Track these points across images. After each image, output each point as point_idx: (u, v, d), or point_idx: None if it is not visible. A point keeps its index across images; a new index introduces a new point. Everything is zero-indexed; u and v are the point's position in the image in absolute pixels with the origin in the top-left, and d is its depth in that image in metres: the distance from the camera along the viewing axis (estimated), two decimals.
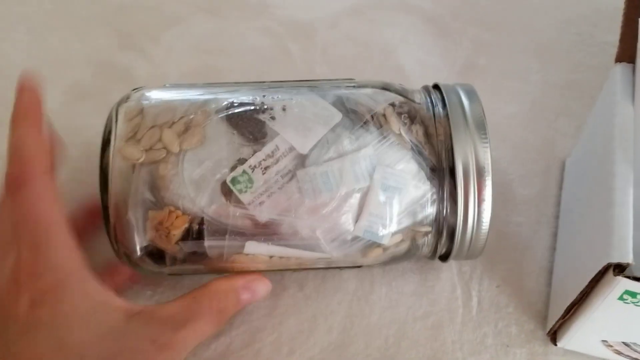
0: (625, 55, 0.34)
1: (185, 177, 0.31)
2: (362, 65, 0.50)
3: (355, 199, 0.31)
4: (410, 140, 0.32)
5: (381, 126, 0.32)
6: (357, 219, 0.32)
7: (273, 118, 0.32)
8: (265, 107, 0.32)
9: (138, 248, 0.32)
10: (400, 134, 0.32)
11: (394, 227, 0.32)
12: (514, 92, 0.48)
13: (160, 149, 0.31)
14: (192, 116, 0.32)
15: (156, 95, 0.34)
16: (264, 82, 0.36)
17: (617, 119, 0.32)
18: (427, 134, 0.33)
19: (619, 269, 0.27)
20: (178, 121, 0.32)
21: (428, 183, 0.32)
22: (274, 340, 0.37)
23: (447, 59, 0.50)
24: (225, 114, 0.32)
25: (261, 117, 0.32)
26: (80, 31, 0.51)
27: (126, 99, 0.34)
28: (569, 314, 0.32)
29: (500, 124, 0.46)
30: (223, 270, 0.34)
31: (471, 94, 0.34)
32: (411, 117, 0.33)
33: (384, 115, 0.33)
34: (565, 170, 0.43)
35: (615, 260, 0.27)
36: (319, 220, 0.32)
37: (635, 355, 0.34)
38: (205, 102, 0.33)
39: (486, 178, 0.32)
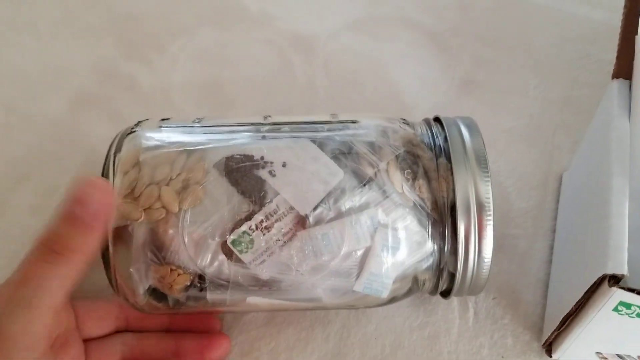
0: (622, 71, 0.35)
1: (186, 238, 0.31)
2: (362, 78, 0.50)
3: (355, 258, 0.31)
4: (413, 199, 0.32)
5: (384, 184, 0.31)
6: (357, 276, 0.32)
7: (273, 175, 0.31)
8: (265, 161, 0.31)
9: (140, 298, 0.32)
10: (403, 193, 0.31)
11: (394, 282, 0.32)
12: (512, 107, 0.48)
13: (159, 208, 0.30)
14: (190, 174, 0.31)
15: (152, 141, 0.33)
16: (262, 123, 0.34)
17: (613, 134, 0.33)
18: (430, 186, 0.32)
19: (614, 280, 0.28)
20: (176, 178, 0.31)
21: (429, 241, 0.32)
22: (272, 349, 0.38)
23: (446, 74, 0.50)
24: (224, 170, 0.31)
25: (261, 173, 0.31)
26: (86, 40, 0.52)
27: (119, 147, 0.33)
28: (564, 325, 0.33)
29: (498, 138, 0.47)
30: (224, 312, 0.36)
31: (472, 128, 0.34)
32: (414, 172, 0.32)
33: (387, 171, 0.32)
34: (562, 184, 0.44)
35: (610, 271, 0.28)
36: (320, 279, 0.32)
37: None
38: (204, 153, 0.32)
39: (487, 216, 0.31)
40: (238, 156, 0.31)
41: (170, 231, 0.30)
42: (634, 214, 0.30)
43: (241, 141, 0.32)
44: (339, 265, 0.31)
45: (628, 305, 0.28)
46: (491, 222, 0.31)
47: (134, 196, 0.31)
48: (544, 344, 0.36)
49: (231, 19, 0.54)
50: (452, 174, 0.31)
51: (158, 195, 0.30)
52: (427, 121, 0.36)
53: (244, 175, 0.31)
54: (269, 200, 0.30)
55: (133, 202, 0.30)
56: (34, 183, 0.44)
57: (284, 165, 0.31)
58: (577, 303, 0.31)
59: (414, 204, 0.31)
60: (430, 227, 0.32)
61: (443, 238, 0.32)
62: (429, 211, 0.32)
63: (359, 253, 0.31)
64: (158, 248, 0.31)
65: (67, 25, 0.53)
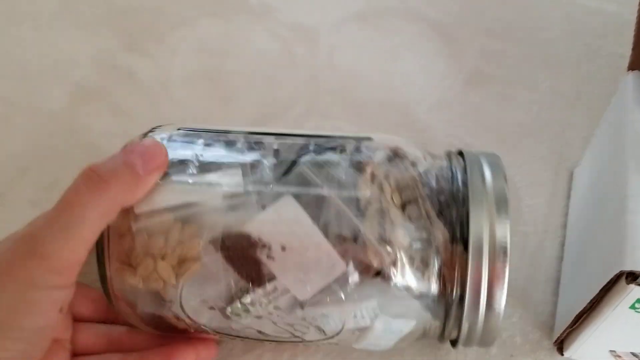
0: (637, 64, 0.34)
1: (184, 305, 0.31)
2: (366, 71, 0.50)
3: (355, 333, 0.31)
4: (421, 292, 0.30)
5: (391, 278, 0.29)
6: (357, 340, 0.31)
7: (271, 258, 0.29)
8: (263, 244, 0.29)
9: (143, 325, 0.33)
10: (409, 287, 0.29)
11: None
12: (521, 102, 0.48)
13: (157, 279, 0.30)
14: (185, 251, 0.30)
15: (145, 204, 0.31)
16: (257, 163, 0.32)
17: (629, 127, 0.32)
18: (440, 273, 0.29)
19: (632, 277, 0.27)
20: (172, 253, 0.30)
21: (431, 318, 0.30)
22: (276, 346, 0.37)
23: (452, 67, 0.50)
24: (220, 248, 0.29)
25: (258, 255, 0.29)
26: (85, 31, 0.51)
27: None
28: (578, 322, 0.32)
29: (507, 133, 0.46)
30: None
31: (496, 167, 0.32)
32: (425, 262, 0.29)
33: (393, 264, 0.29)
34: (573, 180, 0.43)
35: (628, 268, 0.27)
36: (323, 342, 0.32)
37: None
38: (199, 226, 0.30)
39: (504, 263, 0.29)
40: (235, 235, 0.29)
41: (169, 298, 0.30)
42: None
43: (237, 216, 0.30)
44: (340, 336, 0.31)
45: None
46: (506, 272, 0.29)
47: (132, 265, 0.30)
48: (556, 341, 0.36)
49: (232, 10, 0.53)
50: (467, 215, 0.29)
51: (154, 268, 0.30)
52: (448, 155, 0.33)
53: (241, 255, 0.30)
54: (265, 282, 0.29)
55: (132, 271, 0.30)
56: (33, 176, 0.44)
57: (283, 249, 0.29)
58: (591, 300, 0.30)
59: (421, 295, 0.30)
60: (433, 302, 0.30)
61: (452, 284, 0.29)
62: (438, 299, 0.30)
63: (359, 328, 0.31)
64: (159, 306, 0.31)
65: (66, 17, 0.52)
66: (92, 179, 0.28)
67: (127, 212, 0.30)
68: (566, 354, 0.35)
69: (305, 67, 0.50)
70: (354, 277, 0.29)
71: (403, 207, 0.29)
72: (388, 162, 0.31)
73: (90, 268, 0.30)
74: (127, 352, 0.35)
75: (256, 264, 0.29)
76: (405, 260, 0.29)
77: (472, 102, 0.48)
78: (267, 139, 0.32)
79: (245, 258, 0.29)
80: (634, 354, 0.33)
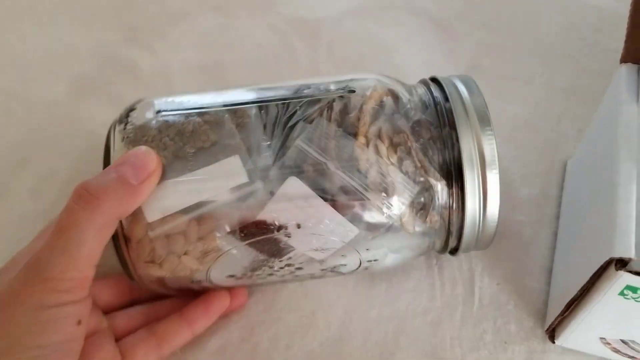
0: (630, 56, 0.35)
1: (212, 279, 0.33)
2: (366, 64, 0.50)
3: (367, 269, 0.35)
4: (424, 232, 0.32)
5: (400, 229, 0.32)
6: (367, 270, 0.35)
7: (289, 236, 0.31)
8: (280, 226, 0.31)
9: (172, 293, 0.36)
10: (415, 231, 0.32)
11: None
12: (518, 94, 0.48)
13: (183, 269, 0.32)
14: (206, 245, 0.31)
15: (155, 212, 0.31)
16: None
17: (621, 118, 0.32)
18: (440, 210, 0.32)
19: (621, 263, 0.27)
20: (194, 249, 0.31)
21: (433, 241, 0.34)
22: (273, 335, 0.37)
23: (451, 59, 0.50)
24: (240, 237, 0.31)
25: (277, 236, 0.31)
26: (86, 24, 0.52)
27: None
28: (569, 310, 0.32)
29: (503, 125, 0.46)
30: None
31: (471, 86, 0.34)
32: (426, 208, 0.32)
33: (400, 218, 0.31)
34: (566, 171, 0.43)
35: (617, 254, 0.27)
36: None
37: (632, 353, 0.34)
38: (215, 222, 0.31)
39: (493, 171, 0.31)
40: (251, 224, 0.31)
41: (196, 279, 0.33)
42: None
43: (249, 206, 0.31)
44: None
45: (635, 289, 0.28)
46: (497, 177, 0.31)
47: (157, 263, 0.31)
48: (547, 329, 0.36)
49: (233, 4, 0.53)
50: (456, 134, 0.31)
51: (180, 262, 0.31)
52: (425, 83, 0.35)
53: (261, 240, 0.31)
54: (286, 253, 0.32)
55: (155, 265, 0.31)
56: (33, 167, 0.44)
57: (298, 227, 0.31)
58: (582, 287, 0.30)
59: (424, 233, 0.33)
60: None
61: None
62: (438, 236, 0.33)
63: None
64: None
65: (67, 9, 0.52)
66: (84, 197, 0.29)
67: (139, 220, 0.30)
68: (557, 341, 0.36)
69: (306, 60, 0.50)
70: (366, 236, 0.31)
71: (400, 162, 0.31)
72: (377, 115, 0.32)
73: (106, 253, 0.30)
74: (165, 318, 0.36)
75: (276, 243, 0.31)
76: (408, 212, 0.31)
77: None
78: (250, 110, 0.32)
79: (265, 240, 0.31)
80: (623, 341, 0.33)
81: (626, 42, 0.35)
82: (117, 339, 0.34)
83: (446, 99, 0.33)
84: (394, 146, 0.31)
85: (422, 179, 0.31)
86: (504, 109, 0.47)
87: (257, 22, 0.52)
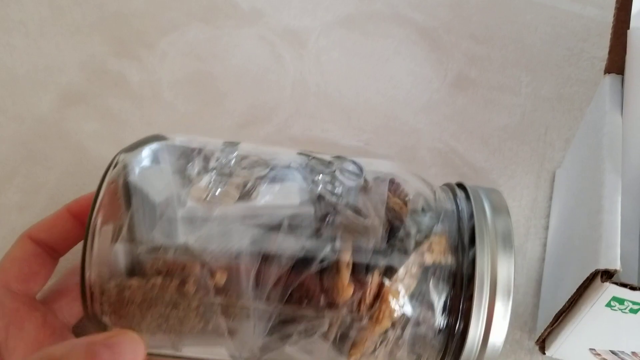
0: (614, 66, 0.35)
1: None
2: (354, 74, 0.50)
3: None
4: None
5: None
6: None
7: None
8: None
9: None
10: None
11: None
12: (504, 105, 0.48)
13: None
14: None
15: None
16: None
17: (605, 129, 0.33)
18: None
19: (607, 275, 0.28)
20: None
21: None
22: None
23: (439, 70, 0.50)
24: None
25: None
26: (75, 37, 0.51)
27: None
28: (558, 321, 0.33)
29: (490, 136, 0.46)
30: None
31: (499, 205, 0.31)
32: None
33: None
34: (555, 182, 0.44)
35: (603, 266, 0.27)
36: None
37: None
38: None
39: (507, 302, 0.28)
40: None
41: None
42: (627, 209, 0.30)
43: None
44: None
45: (621, 301, 0.28)
46: (509, 310, 0.28)
47: None
48: (537, 340, 0.36)
49: (221, 15, 0.53)
50: (474, 251, 0.29)
51: None
52: (451, 189, 0.33)
53: None
54: None
55: None
56: (21, 181, 0.44)
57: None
58: (570, 299, 0.30)
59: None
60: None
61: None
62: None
63: None
64: None
65: (55, 23, 0.52)
66: None
67: None
68: (548, 352, 0.36)
69: (294, 71, 0.50)
70: None
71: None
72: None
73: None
74: None
75: None
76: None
77: (457, 105, 0.48)
78: (247, 305, 0.29)
79: None
80: (612, 352, 0.33)
81: (610, 52, 0.35)
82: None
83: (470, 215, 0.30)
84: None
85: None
86: (491, 119, 0.47)
87: (245, 34, 0.52)
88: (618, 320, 0.30)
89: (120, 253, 0.28)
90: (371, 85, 0.50)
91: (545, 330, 0.34)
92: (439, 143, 0.46)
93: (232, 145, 0.33)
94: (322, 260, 0.28)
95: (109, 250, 0.28)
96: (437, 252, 0.29)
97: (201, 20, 0.53)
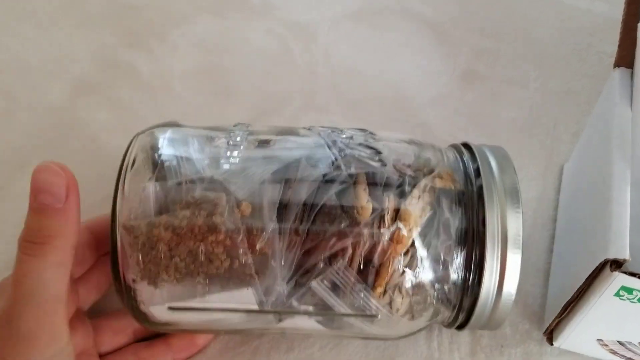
0: (623, 60, 0.35)
1: None
2: (362, 67, 0.50)
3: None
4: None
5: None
6: None
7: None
8: None
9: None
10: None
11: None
12: (513, 99, 0.48)
13: None
14: None
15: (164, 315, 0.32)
16: None
17: (615, 121, 0.33)
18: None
19: (616, 264, 0.28)
20: None
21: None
22: (273, 337, 0.38)
23: (447, 64, 0.51)
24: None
25: None
26: (86, 28, 0.52)
27: None
28: (566, 311, 0.33)
29: (499, 129, 0.47)
30: None
31: (504, 160, 0.32)
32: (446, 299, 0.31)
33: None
34: (563, 175, 0.44)
35: (612, 256, 0.28)
36: None
37: (629, 354, 0.34)
38: None
39: (516, 252, 0.30)
40: None
41: None
42: (636, 201, 0.30)
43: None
44: None
45: (630, 290, 0.28)
46: (519, 258, 0.30)
47: None
48: (545, 331, 0.36)
49: (231, 8, 0.54)
50: (483, 206, 0.30)
51: None
52: (457, 148, 0.34)
53: None
54: None
55: None
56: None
57: None
58: (578, 289, 0.31)
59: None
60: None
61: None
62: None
63: None
64: None
65: (67, 13, 0.53)
66: (26, 247, 0.29)
67: None
68: (556, 343, 0.36)
69: (303, 64, 0.51)
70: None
71: (412, 316, 0.31)
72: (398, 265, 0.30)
73: None
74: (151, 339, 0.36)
75: None
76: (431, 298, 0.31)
77: (465, 99, 0.49)
78: (271, 237, 0.30)
79: None
80: (620, 343, 0.34)
81: (619, 46, 0.35)
82: (102, 355, 0.34)
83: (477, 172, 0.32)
84: (411, 305, 0.31)
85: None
86: (499, 113, 0.48)
87: (254, 26, 0.53)
88: (626, 310, 0.30)
89: (150, 191, 0.30)
90: (379, 78, 0.50)
91: (554, 321, 0.34)
92: (448, 136, 0.46)
93: (245, 125, 0.35)
94: (341, 182, 0.30)
95: (139, 189, 0.30)
96: (446, 180, 0.31)
97: (212, 12, 0.53)
